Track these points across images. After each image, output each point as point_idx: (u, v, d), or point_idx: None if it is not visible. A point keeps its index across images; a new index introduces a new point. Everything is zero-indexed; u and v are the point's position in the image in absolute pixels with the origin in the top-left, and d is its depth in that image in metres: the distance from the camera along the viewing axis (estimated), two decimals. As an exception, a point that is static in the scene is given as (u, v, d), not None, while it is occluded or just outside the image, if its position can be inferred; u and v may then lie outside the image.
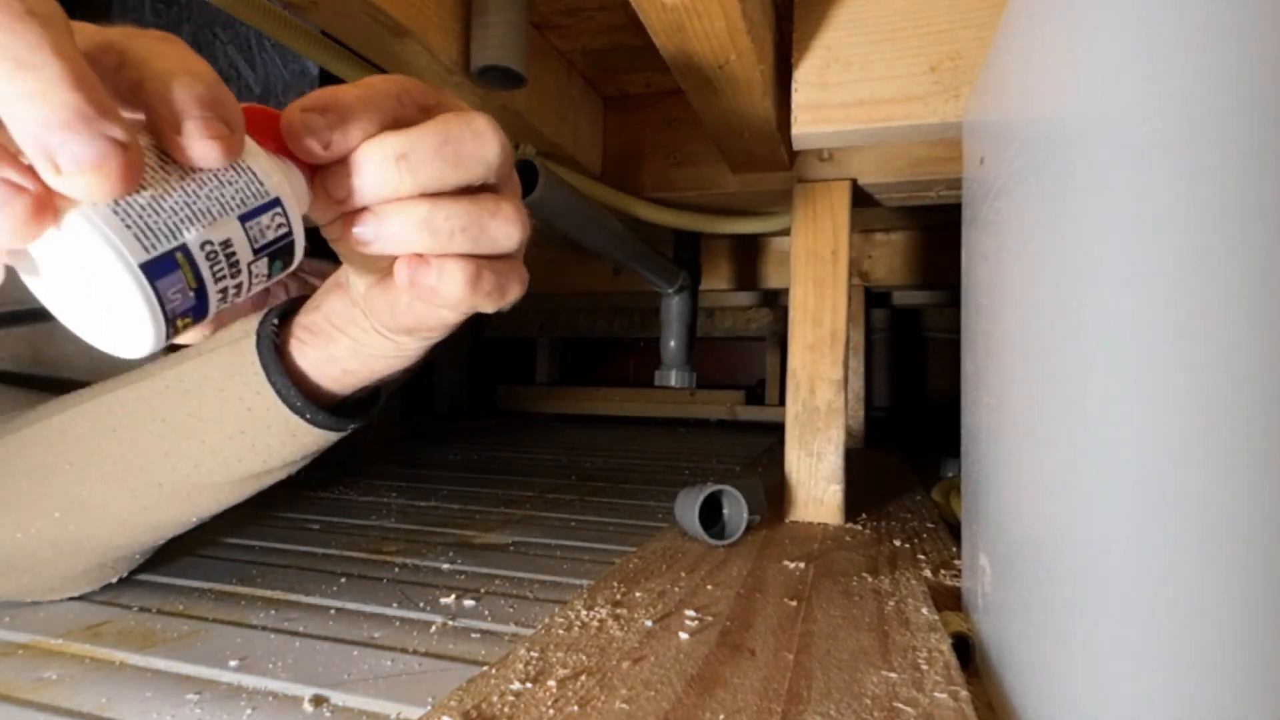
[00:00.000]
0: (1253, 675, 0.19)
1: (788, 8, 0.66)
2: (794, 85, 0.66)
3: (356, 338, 0.37)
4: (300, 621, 0.45)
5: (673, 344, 1.02)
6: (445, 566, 0.58)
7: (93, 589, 0.50)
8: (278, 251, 0.24)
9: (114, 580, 0.51)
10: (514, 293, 0.32)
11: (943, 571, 0.54)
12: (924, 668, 0.36)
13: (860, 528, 0.68)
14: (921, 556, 0.58)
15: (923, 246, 1.36)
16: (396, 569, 0.57)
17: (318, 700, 0.35)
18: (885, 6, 0.64)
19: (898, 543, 0.63)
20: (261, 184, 0.23)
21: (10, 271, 0.22)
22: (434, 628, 0.45)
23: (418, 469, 1.14)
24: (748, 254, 1.43)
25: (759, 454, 1.32)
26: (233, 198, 0.23)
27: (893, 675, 0.36)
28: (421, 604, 0.49)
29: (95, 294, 0.21)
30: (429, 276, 0.29)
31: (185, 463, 0.42)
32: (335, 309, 0.37)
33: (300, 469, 0.46)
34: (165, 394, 0.41)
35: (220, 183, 0.22)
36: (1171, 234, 0.20)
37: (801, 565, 0.55)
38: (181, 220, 0.21)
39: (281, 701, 0.35)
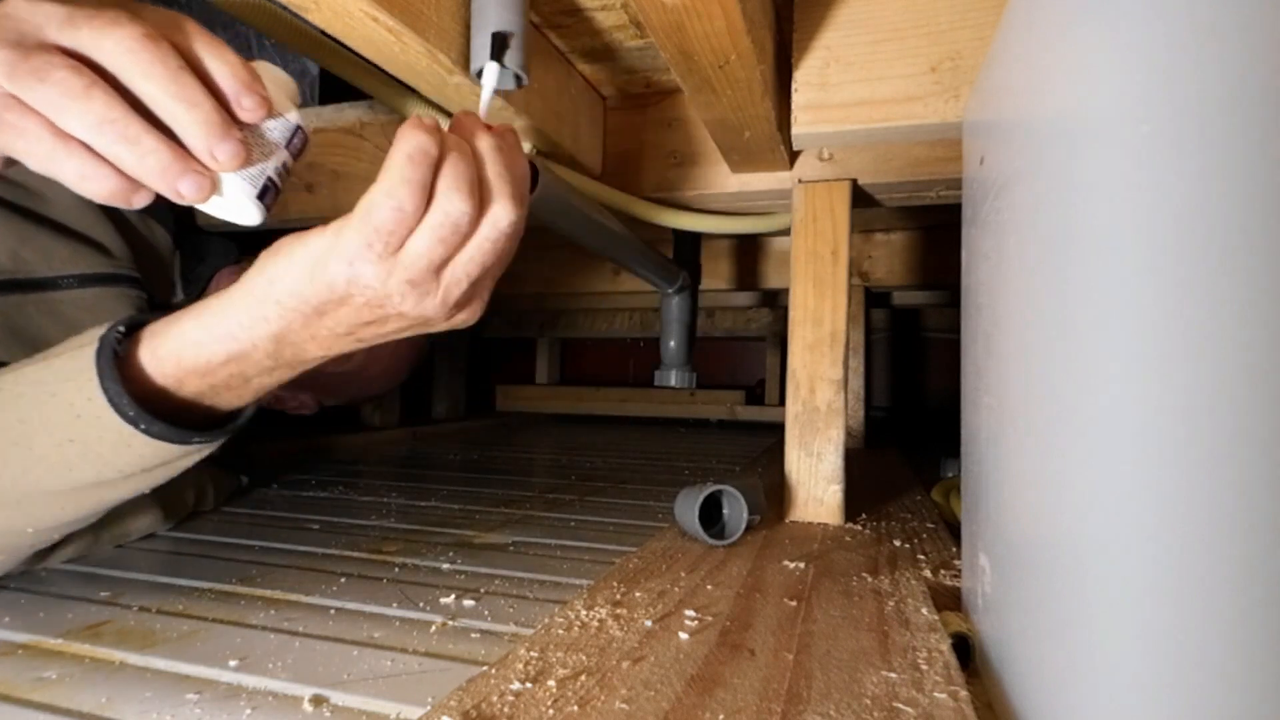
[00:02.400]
0: (1252, 675, 0.19)
1: (788, 8, 0.66)
2: (794, 85, 0.66)
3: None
4: (300, 621, 0.45)
5: (673, 344, 1.02)
6: (445, 566, 0.58)
7: None
8: (302, 149, 0.41)
9: None
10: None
11: (943, 571, 0.54)
12: (924, 668, 0.36)
13: (860, 528, 0.68)
14: (921, 556, 0.58)
15: (923, 246, 1.36)
16: (396, 569, 0.57)
17: (317, 700, 0.35)
18: (885, 6, 0.64)
19: (898, 543, 0.63)
20: (289, 122, 0.39)
21: None
22: (434, 628, 0.45)
23: (418, 469, 1.14)
24: (748, 254, 1.43)
25: (759, 454, 1.32)
26: (280, 137, 0.39)
27: (892, 675, 0.35)
28: (421, 604, 0.49)
29: (231, 207, 0.38)
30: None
31: (13, 469, 0.41)
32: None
33: (170, 481, 0.46)
34: None
35: (272, 129, 0.38)
36: (1171, 234, 0.20)
37: (801, 565, 0.55)
38: (265, 163, 0.38)
39: (281, 701, 0.35)
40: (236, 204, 0.38)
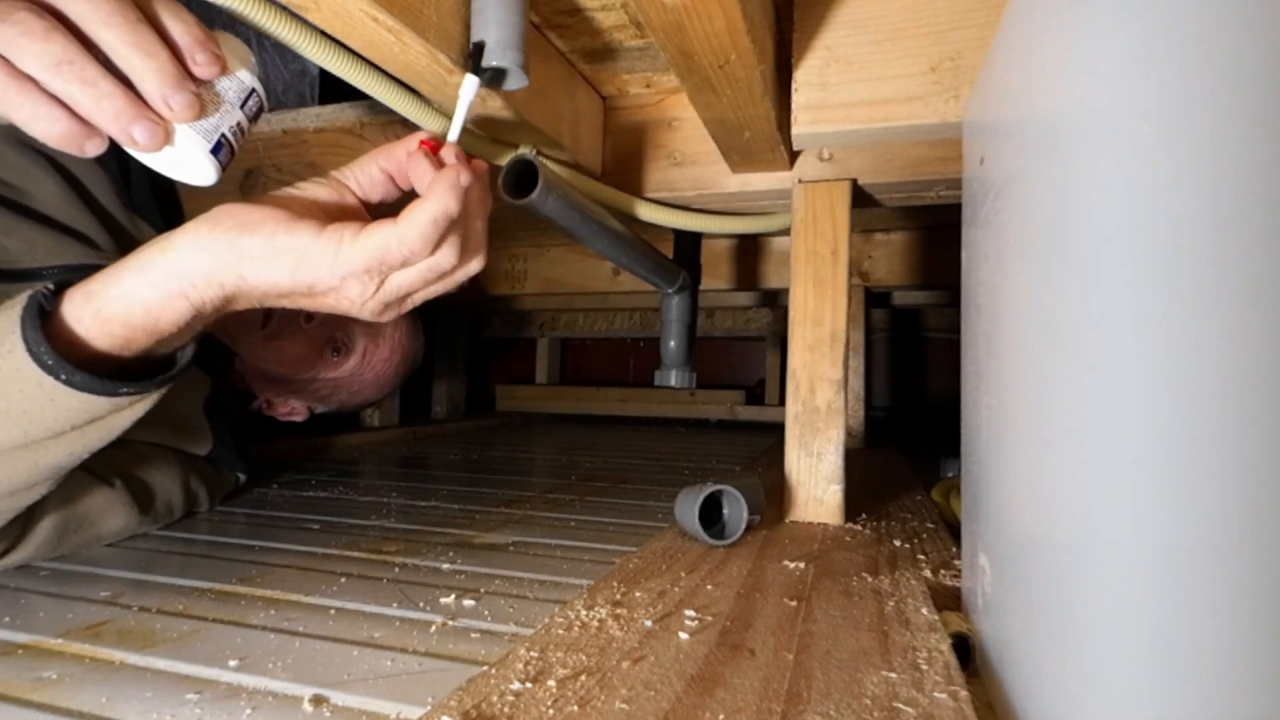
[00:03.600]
0: (1251, 675, 0.19)
1: (788, 8, 0.66)
2: (794, 85, 0.66)
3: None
4: (300, 621, 0.45)
5: (673, 344, 1.02)
6: (445, 566, 0.58)
7: None
8: (257, 113, 0.43)
9: None
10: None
11: (943, 571, 0.54)
12: (924, 668, 0.36)
13: (860, 528, 0.68)
14: (921, 556, 0.58)
15: (923, 246, 1.36)
16: (396, 569, 0.57)
17: (317, 700, 0.35)
18: (885, 7, 0.64)
19: (898, 543, 0.62)
20: (244, 83, 0.41)
21: None
22: (434, 628, 0.45)
23: (418, 469, 1.14)
24: (748, 254, 1.43)
25: (759, 454, 1.32)
26: (235, 97, 0.41)
27: (893, 675, 0.35)
28: (421, 604, 0.49)
29: (184, 162, 0.40)
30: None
31: None
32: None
33: (106, 447, 0.44)
34: None
35: (227, 88, 0.40)
36: (1170, 233, 0.20)
37: (801, 565, 0.55)
38: (219, 120, 0.40)
39: (281, 701, 0.35)
40: (190, 158, 0.39)
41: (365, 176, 0.46)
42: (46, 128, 0.35)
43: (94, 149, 0.36)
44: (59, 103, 0.34)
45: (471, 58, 0.49)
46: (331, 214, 0.44)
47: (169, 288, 0.40)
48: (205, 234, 0.40)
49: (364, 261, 0.40)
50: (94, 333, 0.40)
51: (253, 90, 0.42)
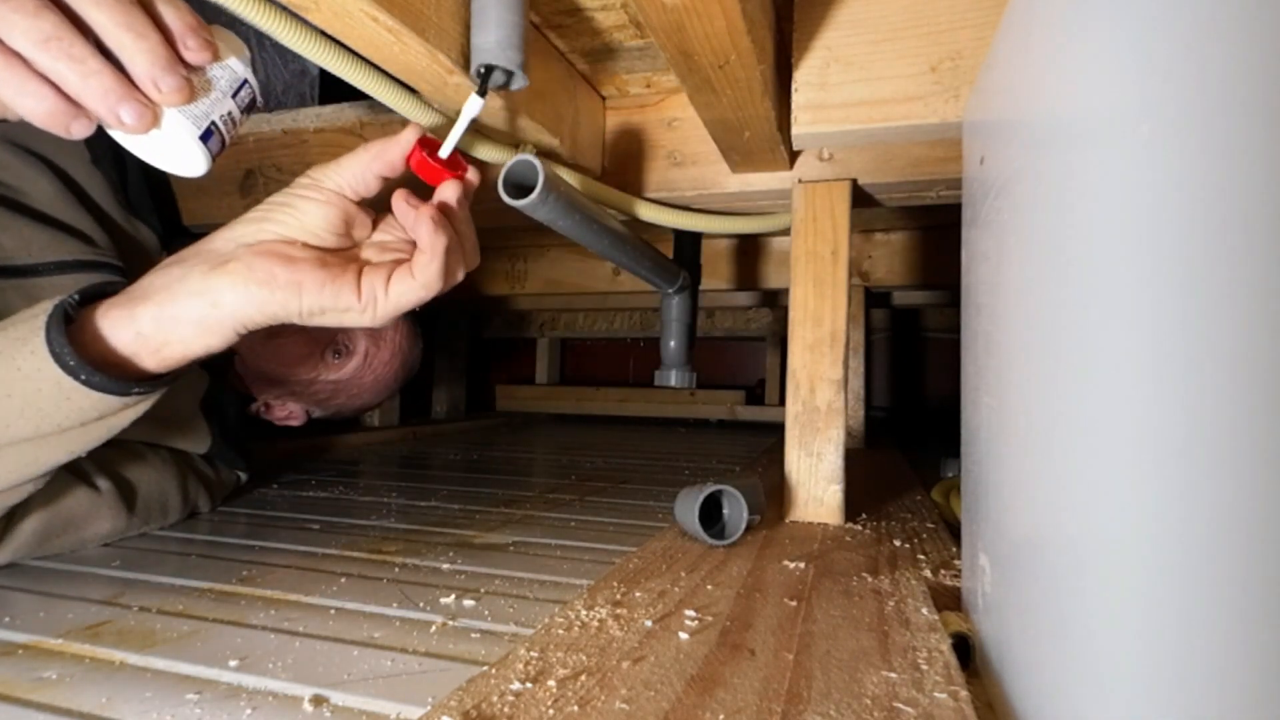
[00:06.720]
0: (1252, 676, 0.19)
1: (788, 8, 0.66)
2: (794, 85, 0.66)
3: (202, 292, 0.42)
4: (300, 621, 0.45)
5: (673, 344, 1.02)
6: (445, 566, 0.58)
7: None
8: (249, 105, 0.43)
9: None
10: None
11: (943, 571, 0.54)
12: (924, 668, 0.36)
13: (860, 528, 0.68)
14: (921, 556, 0.58)
15: (923, 246, 1.36)
16: (396, 569, 0.57)
17: (317, 700, 0.35)
18: (885, 6, 0.64)
19: (898, 543, 0.62)
20: (236, 72, 0.41)
21: None
22: (434, 628, 0.45)
23: (418, 469, 1.14)
24: (748, 254, 1.43)
25: (759, 454, 1.32)
26: (227, 85, 0.40)
27: (893, 675, 0.35)
28: (421, 604, 0.49)
29: (173, 149, 0.40)
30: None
31: None
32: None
33: (99, 447, 0.45)
34: None
35: (218, 76, 0.40)
36: (1170, 234, 0.20)
37: (801, 565, 0.55)
38: (210, 107, 0.40)
39: (281, 701, 0.35)
40: (179, 144, 0.39)
41: (360, 182, 0.46)
42: (33, 105, 0.34)
43: (80, 130, 0.36)
44: (47, 81, 0.34)
45: (480, 78, 0.49)
46: (338, 231, 0.46)
47: (217, 332, 0.42)
48: (257, 292, 0.41)
49: (395, 314, 0.45)
50: (130, 347, 0.42)
51: (245, 81, 0.41)
